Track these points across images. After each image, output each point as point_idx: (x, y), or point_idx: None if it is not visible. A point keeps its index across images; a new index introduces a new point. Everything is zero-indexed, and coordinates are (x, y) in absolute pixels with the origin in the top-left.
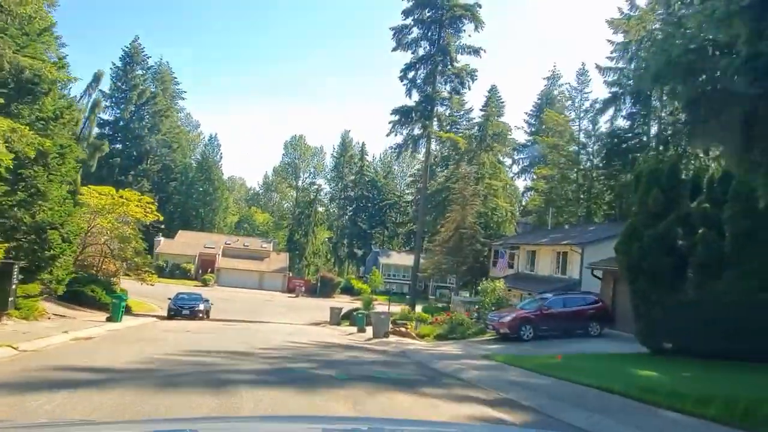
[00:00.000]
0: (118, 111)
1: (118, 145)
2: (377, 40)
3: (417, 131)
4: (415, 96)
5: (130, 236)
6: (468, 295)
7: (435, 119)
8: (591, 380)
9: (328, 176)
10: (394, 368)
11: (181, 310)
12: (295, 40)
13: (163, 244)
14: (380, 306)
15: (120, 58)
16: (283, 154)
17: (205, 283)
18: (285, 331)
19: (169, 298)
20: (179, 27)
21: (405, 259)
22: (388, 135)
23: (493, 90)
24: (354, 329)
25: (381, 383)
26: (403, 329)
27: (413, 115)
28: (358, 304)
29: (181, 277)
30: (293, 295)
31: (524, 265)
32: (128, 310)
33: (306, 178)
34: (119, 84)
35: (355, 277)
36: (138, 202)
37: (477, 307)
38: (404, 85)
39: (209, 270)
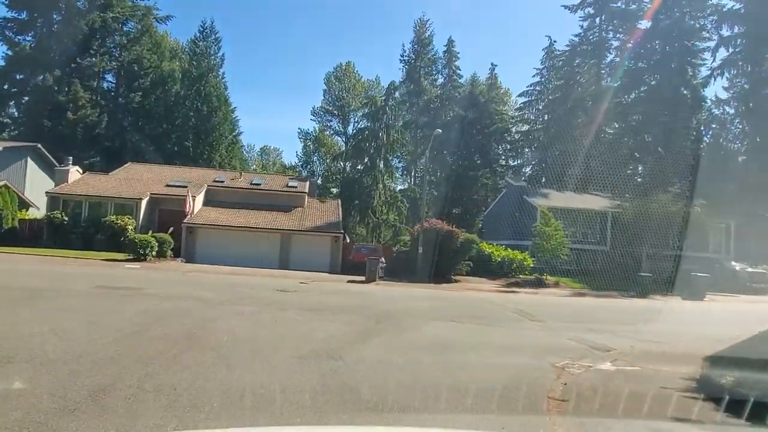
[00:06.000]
0: None
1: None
2: None
3: None
4: None
5: None
6: None
7: None
8: None
9: (399, 89)
10: None
11: None
12: None
13: (76, 182)
14: None
15: None
16: (325, 91)
17: (137, 256)
18: None
19: None
20: None
21: (584, 201)
22: None
23: None
24: None
25: None
26: None
27: None
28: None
29: (108, 247)
30: (362, 278)
31: None
32: None
33: (358, 120)
34: None
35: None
36: None
37: None
38: None
39: (169, 230)
